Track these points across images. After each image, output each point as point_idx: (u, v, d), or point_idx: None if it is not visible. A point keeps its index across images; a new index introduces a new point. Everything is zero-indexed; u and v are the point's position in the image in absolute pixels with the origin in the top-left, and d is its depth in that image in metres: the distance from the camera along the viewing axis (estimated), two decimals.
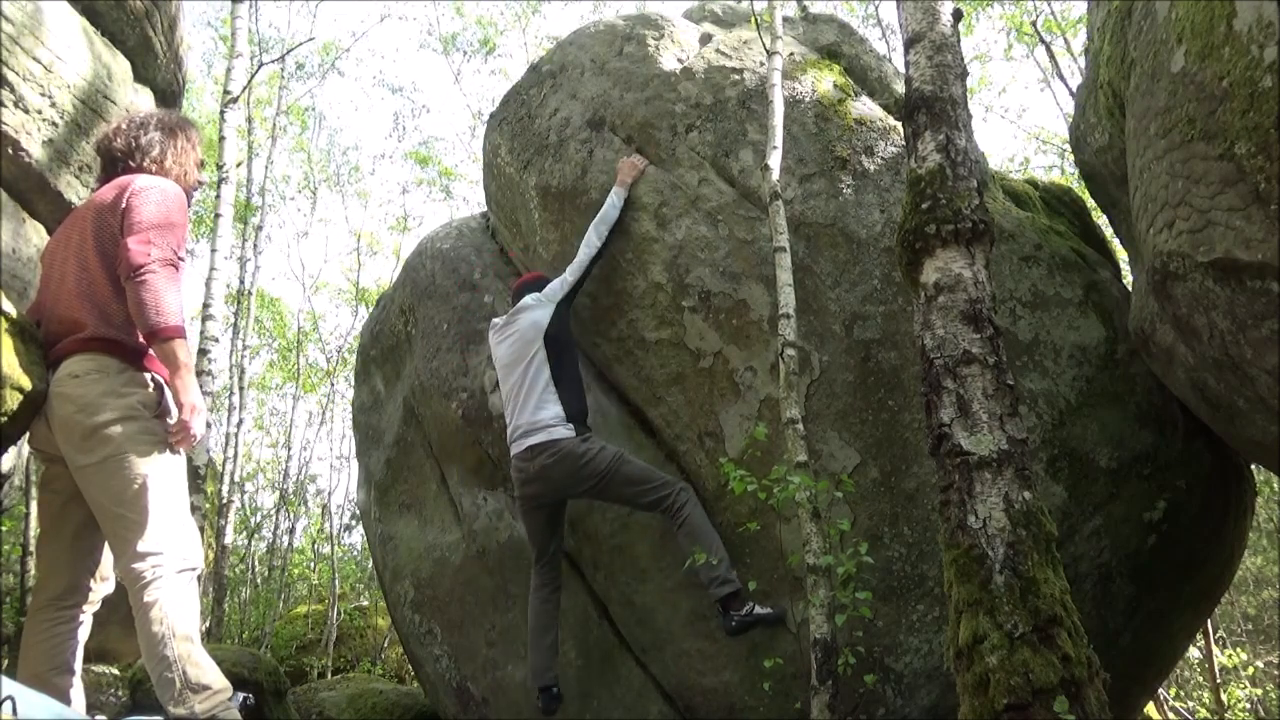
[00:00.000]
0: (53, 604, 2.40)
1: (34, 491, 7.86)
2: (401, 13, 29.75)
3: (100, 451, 2.29)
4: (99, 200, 2.51)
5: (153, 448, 2.34)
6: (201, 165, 2.81)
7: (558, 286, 3.70)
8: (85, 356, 2.35)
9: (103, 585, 2.51)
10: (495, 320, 3.89)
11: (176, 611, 2.24)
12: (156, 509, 2.29)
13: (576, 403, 3.54)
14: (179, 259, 2.41)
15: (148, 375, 2.43)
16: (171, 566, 2.28)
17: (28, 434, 2.42)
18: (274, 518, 13.49)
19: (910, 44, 2.54)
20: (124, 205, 2.42)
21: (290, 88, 13.21)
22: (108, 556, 2.47)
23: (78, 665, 2.39)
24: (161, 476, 2.34)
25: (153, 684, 2.22)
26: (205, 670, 2.25)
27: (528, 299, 3.72)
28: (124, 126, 2.67)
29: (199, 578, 2.43)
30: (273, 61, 11.35)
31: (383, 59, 28.31)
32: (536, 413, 3.49)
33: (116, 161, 2.63)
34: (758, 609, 3.15)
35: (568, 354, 3.63)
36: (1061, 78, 9.65)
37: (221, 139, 6.38)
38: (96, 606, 2.50)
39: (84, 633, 2.46)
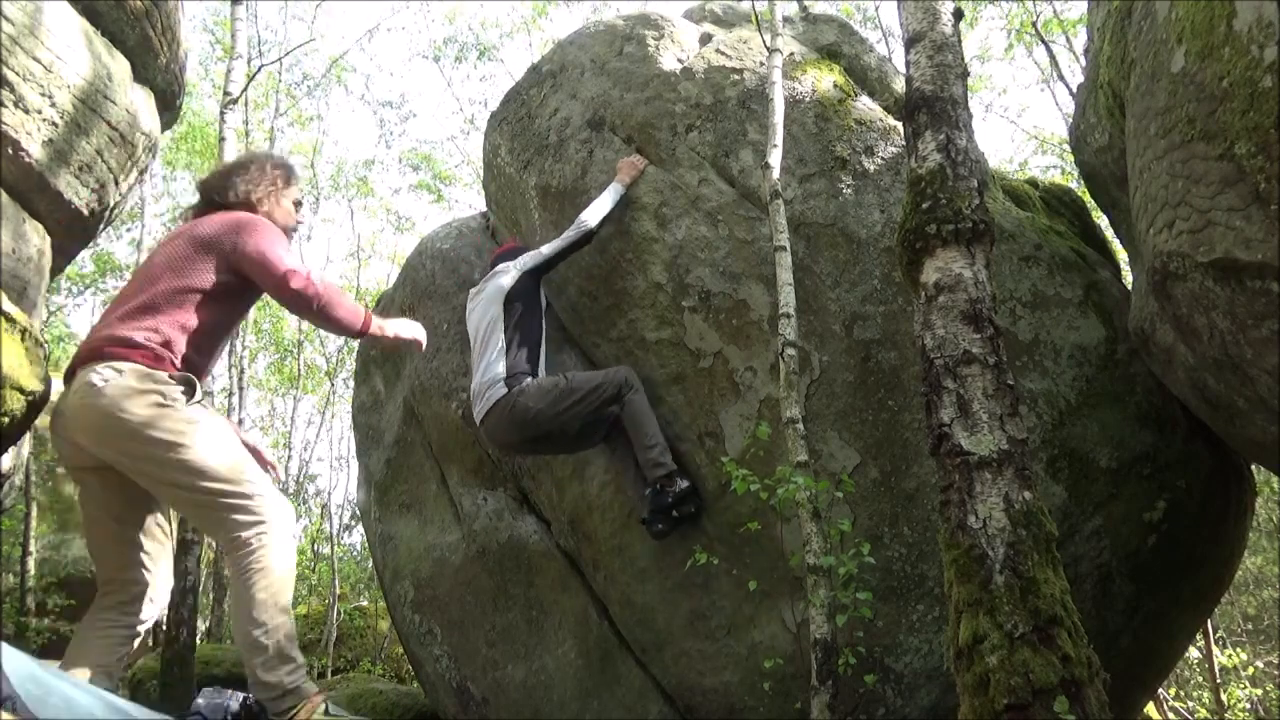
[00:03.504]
0: (117, 608, 2.42)
1: (34, 491, 7.86)
2: (398, 12, 29.73)
3: (149, 449, 2.29)
4: (186, 229, 2.58)
5: (196, 428, 2.34)
6: (298, 205, 2.88)
7: (530, 257, 3.76)
8: (114, 363, 2.35)
9: (151, 607, 2.51)
10: (472, 288, 3.95)
11: (279, 581, 2.29)
12: (233, 481, 2.31)
13: (523, 363, 3.58)
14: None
15: (165, 374, 2.41)
16: (275, 533, 2.32)
17: (60, 455, 2.44)
18: None
19: (911, 43, 2.54)
20: (228, 240, 2.48)
21: (292, 94, 13.25)
22: (158, 578, 2.49)
23: (117, 674, 2.41)
24: (217, 453, 2.34)
25: (240, 648, 2.28)
26: (294, 644, 2.32)
27: (500, 265, 3.81)
28: (222, 169, 2.81)
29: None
30: (271, 63, 11.37)
31: (380, 67, 28.43)
32: (485, 374, 3.57)
33: (213, 199, 2.71)
34: (681, 483, 3.43)
35: (527, 319, 3.67)
36: (1062, 78, 9.66)
37: (221, 140, 6.38)
38: (147, 625, 2.51)
39: (134, 645, 2.49)
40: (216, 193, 2.70)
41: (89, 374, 2.31)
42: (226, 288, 2.50)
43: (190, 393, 2.40)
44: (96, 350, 2.35)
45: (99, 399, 2.27)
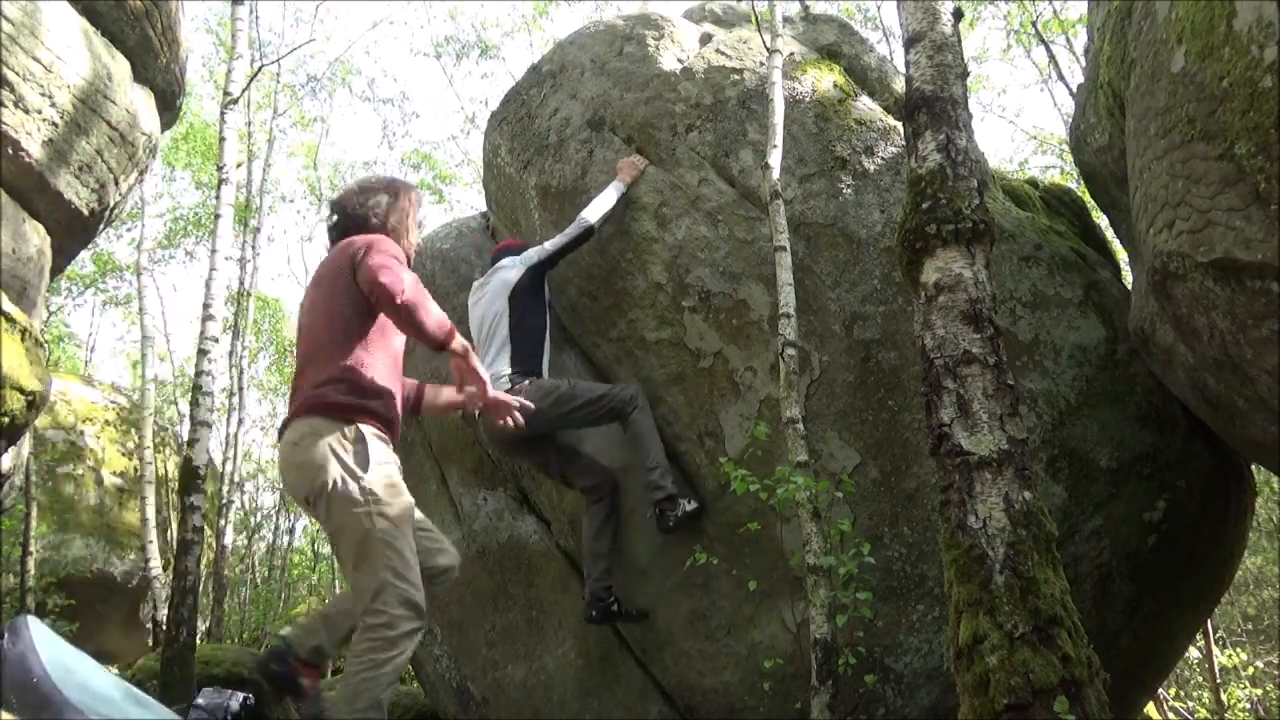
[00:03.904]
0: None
1: (34, 491, 7.87)
2: (400, 8, 29.79)
3: (323, 513, 2.38)
4: (322, 269, 2.64)
5: (362, 513, 2.36)
6: (420, 226, 2.93)
7: (535, 253, 3.78)
8: (301, 421, 2.41)
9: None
10: (475, 281, 3.97)
11: (383, 678, 2.30)
12: (382, 570, 2.33)
13: (529, 360, 3.59)
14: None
15: (357, 429, 2.43)
16: (399, 629, 2.33)
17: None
18: (274, 518, 13.51)
19: (911, 43, 2.54)
20: (350, 259, 2.51)
21: (296, 94, 13.26)
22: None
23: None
24: (377, 539, 2.35)
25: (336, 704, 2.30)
26: None
27: (504, 260, 3.81)
28: (357, 188, 2.85)
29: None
30: (271, 63, 11.36)
31: (384, 71, 28.49)
32: (489, 368, 3.57)
33: (348, 218, 2.75)
34: (685, 506, 3.40)
35: (531, 314, 3.69)
36: (1061, 78, 9.66)
37: (222, 140, 6.37)
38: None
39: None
40: (354, 209, 2.75)
41: (293, 429, 2.42)
42: (373, 307, 2.53)
43: (365, 461, 2.41)
44: (302, 405, 2.44)
45: (296, 454, 2.39)
